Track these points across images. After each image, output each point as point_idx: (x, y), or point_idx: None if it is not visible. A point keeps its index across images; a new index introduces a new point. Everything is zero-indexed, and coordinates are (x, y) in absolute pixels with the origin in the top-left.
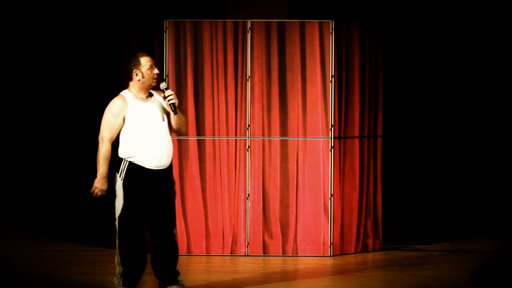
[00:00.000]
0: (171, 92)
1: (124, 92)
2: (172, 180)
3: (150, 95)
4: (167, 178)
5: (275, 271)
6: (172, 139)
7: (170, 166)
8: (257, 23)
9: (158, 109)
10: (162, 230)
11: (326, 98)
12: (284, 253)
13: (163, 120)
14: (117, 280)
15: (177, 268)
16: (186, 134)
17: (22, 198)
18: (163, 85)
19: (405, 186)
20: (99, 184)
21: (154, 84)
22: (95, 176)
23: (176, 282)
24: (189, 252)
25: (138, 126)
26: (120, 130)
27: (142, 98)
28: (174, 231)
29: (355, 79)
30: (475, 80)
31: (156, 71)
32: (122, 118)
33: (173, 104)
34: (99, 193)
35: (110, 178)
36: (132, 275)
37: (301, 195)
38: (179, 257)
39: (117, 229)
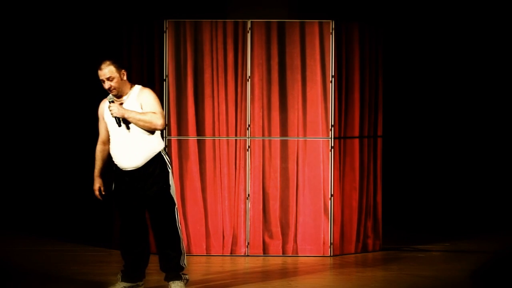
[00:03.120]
0: (112, 106)
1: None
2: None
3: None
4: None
5: (275, 271)
6: (172, 139)
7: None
8: (257, 23)
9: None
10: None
11: (326, 98)
12: (284, 253)
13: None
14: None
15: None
16: (160, 128)
17: (22, 198)
18: (109, 98)
19: (405, 186)
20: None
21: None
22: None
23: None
24: (189, 252)
25: None
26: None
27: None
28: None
29: (355, 79)
30: (475, 80)
31: (106, 86)
32: None
33: (114, 117)
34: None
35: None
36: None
37: (301, 195)
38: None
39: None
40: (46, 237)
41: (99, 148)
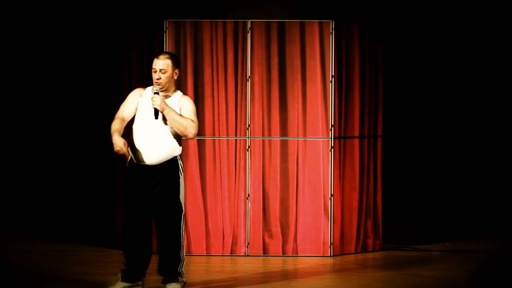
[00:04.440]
0: (156, 98)
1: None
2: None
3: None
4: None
5: (275, 271)
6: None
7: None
8: (257, 23)
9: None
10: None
11: (326, 98)
12: (284, 253)
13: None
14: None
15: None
16: (192, 137)
17: (22, 198)
18: (155, 89)
19: (405, 186)
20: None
21: (156, 86)
22: (95, 176)
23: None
24: (189, 252)
25: None
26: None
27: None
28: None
29: (355, 79)
30: (475, 79)
31: (155, 76)
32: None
33: (154, 108)
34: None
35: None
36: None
37: (301, 195)
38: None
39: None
40: (46, 237)
41: (117, 121)
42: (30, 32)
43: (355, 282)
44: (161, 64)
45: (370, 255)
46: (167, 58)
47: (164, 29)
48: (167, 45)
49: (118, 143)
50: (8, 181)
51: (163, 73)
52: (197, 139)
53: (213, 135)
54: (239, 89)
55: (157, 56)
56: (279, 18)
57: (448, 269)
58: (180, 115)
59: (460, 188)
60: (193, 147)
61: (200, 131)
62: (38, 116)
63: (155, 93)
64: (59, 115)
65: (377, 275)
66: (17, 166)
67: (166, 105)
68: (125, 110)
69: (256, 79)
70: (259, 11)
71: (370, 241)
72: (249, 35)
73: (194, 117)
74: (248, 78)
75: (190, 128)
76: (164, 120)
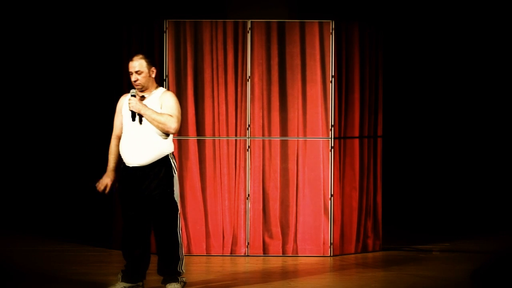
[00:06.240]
0: (132, 100)
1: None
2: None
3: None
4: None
5: (275, 271)
6: (173, 139)
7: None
8: (257, 23)
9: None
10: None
11: (326, 98)
12: (284, 253)
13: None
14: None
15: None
16: (173, 132)
17: (22, 198)
18: (131, 92)
19: (405, 186)
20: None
21: (136, 87)
22: (95, 176)
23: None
24: (189, 252)
25: None
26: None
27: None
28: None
29: (355, 79)
30: (475, 80)
31: (132, 78)
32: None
33: (131, 111)
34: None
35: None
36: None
37: (301, 195)
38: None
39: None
40: (46, 237)
41: (114, 142)
42: (30, 32)
43: (355, 282)
44: (137, 66)
45: (370, 255)
46: (141, 58)
47: (164, 29)
48: (167, 45)
49: (103, 181)
50: (8, 181)
51: (140, 74)
52: (197, 139)
53: (213, 135)
54: (239, 89)
55: (131, 59)
56: (279, 18)
57: (448, 269)
58: (158, 113)
59: (460, 188)
60: (193, 147)
61: (200, 131)
62: (39, 117)
63: (132, 95)
64: (59, 115)
65: (377, 275)
66: (17, 167)
67: (143, 105)
68: (116, 124)
69: (256, 79)
70: (259, 11)
71: (370, 241)
72: (249, 35)
73: (174, 112)
74: (248, 78)
75: (169, 123)
76: (141, 120)
